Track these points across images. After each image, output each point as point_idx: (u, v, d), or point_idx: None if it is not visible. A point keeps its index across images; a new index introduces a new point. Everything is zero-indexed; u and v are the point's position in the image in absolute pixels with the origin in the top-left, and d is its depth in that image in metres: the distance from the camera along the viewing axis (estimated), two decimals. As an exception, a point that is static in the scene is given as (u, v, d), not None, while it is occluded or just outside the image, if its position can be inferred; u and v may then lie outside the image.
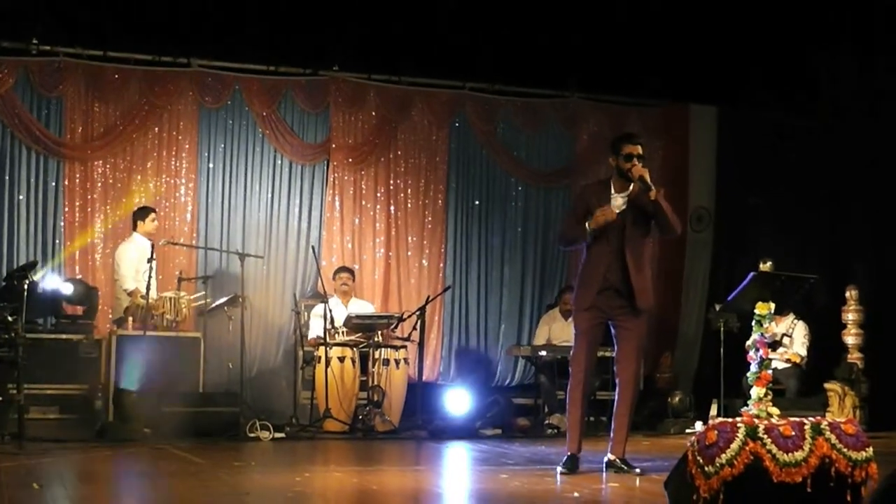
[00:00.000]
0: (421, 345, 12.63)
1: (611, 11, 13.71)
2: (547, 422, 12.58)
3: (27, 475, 7.91)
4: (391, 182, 14.54)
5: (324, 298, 12.22)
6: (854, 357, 12.89)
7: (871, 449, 6.14)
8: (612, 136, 14.76)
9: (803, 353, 13.08)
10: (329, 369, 11.71)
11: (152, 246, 11.88)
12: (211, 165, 13.87)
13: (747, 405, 6.52)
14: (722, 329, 12.37)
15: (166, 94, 13.62)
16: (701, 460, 5.96)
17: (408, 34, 13.45)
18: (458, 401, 12.37)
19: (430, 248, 14.65)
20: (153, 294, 11.83)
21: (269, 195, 14.06)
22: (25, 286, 11.05)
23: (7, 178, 13.12)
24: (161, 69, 13.65)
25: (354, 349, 12.09)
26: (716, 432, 6.02)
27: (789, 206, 14.60)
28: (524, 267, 15.06)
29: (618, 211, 8.54)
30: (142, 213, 12.68)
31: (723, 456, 5.91)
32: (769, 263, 12.30)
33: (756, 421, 6.16)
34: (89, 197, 13.31)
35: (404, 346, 12.42)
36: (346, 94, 14.30)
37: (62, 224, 13.20)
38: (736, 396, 11.86)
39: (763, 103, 14.80)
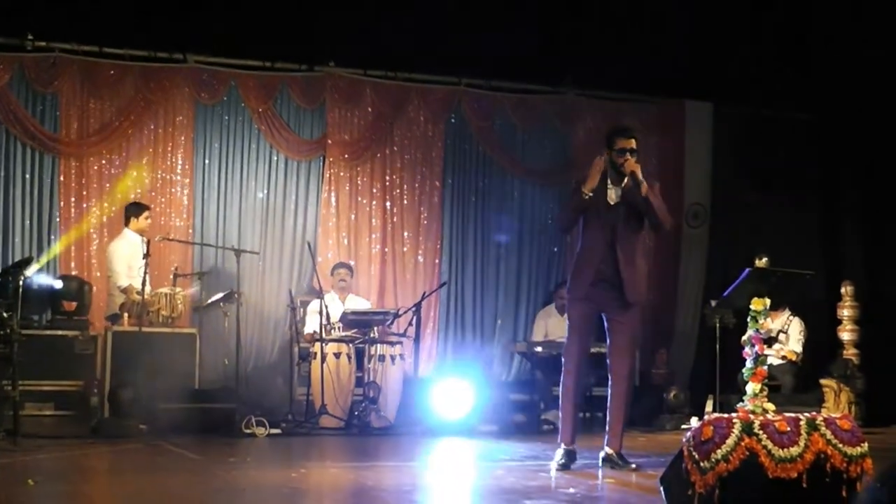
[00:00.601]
0: (417, 341, 12.62)
1: (607, 8, 13.71)
2: (543, 418, 12.56)
3: (22, 472, 7.90)
4: (387, 178, 14.54)
5: (320, 294, 12.20)
6: (849, 353, 12.91)
7: (866, 444, 6.15)
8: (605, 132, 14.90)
9: (799, 349, 13.09)
10: (325, 365, 11.70)
11: (148, 242, 11.86)
12: (207, 161, 13.86)
13: (743, 401, 6.53)
14: (718, 325, 12.36)
15: (162, 90, 13.61)
16: (696, 456, 5.97)
17: (404, 30, 13.42)
18: (453, 397, 12.36)
19: (426, 244, 14.66)
20: (148, 290, 11.81)
21: (265, 191, 14.06)
22: (21, 282, 11.03)
23: (2, 173, 13.10)
24: (157, 65, 13.63)
25: (350, 345, 12.08)
26: (711, 428, 6.03)
27: (785, 201, 14.60)
28: (520, 263, 15.06)
29: (612, 203, 8.61)
30: (135, 209, 12.66)
31: (718, 451, 5.92)
32: (765, 259, 12.29)
33: (752, 417, 6.17)
34: (84, 193, 13.29)
35: (400, 343, 12.40)
36: (343, 90, 14.29)
37: (58, 220, 13.18)
38: (732, 392, 11.85)
39: (758, 100, 14.80)
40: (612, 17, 13.77)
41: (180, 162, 13.70)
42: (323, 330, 11.96)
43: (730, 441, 5.96)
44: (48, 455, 9.04)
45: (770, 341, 12.77)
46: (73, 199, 13.23)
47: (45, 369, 11.79)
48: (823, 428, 6.11)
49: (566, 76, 14.90)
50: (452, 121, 14.90)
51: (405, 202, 14.59)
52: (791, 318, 13.21)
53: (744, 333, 6.80)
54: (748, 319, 6.75)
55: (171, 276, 12.63)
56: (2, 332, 10.12)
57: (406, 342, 12.53)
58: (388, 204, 14.50)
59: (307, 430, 11.35)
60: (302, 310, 12.89)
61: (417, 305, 12.54)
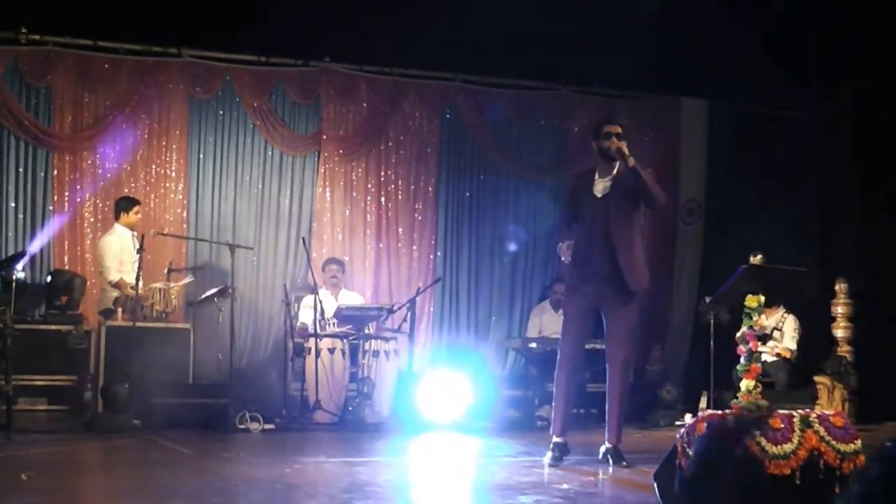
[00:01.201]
0: (411, 336, 12.63)
1: (602, 3, 13.70)
2: (537, 414, 12.59)
3: (15, 466, 7.92)
4: (382, 174, 14.54)
5: (314, 290, 12.21)
6: (843, 350, 12.92)
7: (859, 441, 6.18)
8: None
9: (793, 346, 13.10)
10: (319, 361, 11.71)
11: (142, 237, 11.85)
12: (201, 156, 13.86)
13: (737, 397, 6.54)
14: (712, 321, 12.38)
15: (156, 85, 13.60)
16: (690, 452, 5.98)
17: (399, 25, 13.41)
18: (447, 393, 12.36)
19: (420, 239, 14.66)
20: (142, 285, 11.80)
21: (260, 186, 14.05)
22: (14, 276, 11.04)
23: (-4, 168, 13.12)
24: (151, 59, 13.62)
25: (344, 340, 12.09)
26: (705, 424, 6.05)
27: (780, 198, 14.62)
28: (515, 259, 15.07)
29: (600, 195, 8.69)
30: (126, 204, 12.64)
31: (712, 448, 5.94)
32: (759, 256, 12.28)
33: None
34: (78, 187, 13.28)
35: (394, 338, 12.41)
36: (338, 86, 14.29)
37: (51, 214, 13.17)
38: (726, 389, 11.87)
39: (754, 97, 14.82)
40: (607, 12, 13.75)
41: (174, 156, 13.68)
42: (317, 325, 11.96)
43: (723, 437, 5.98)
44: (41, 450, 9.05)
45: (764, 338, 12.78)
46: (66, 194, 13.21)
47: (39, 364, 11.79)
48: (817, 425, 6.13)
49: (562, 72, 14.90)
50: (448, 116, 14.90)
51: (400, 198, 14.59)
52: (785, 315, 13.22)
53: (738, 330, 6.81)
54: (743, 316, 6.77)
55: (165, 271, 12.62)
56: (-5, 327, 10.14)
57: (400, 338, 12.53)
58: (382, 199, 14.50)
59: (301, 426, 11.35)
60: (296, 305, 12.89)
61: (412, 301, 12.55)
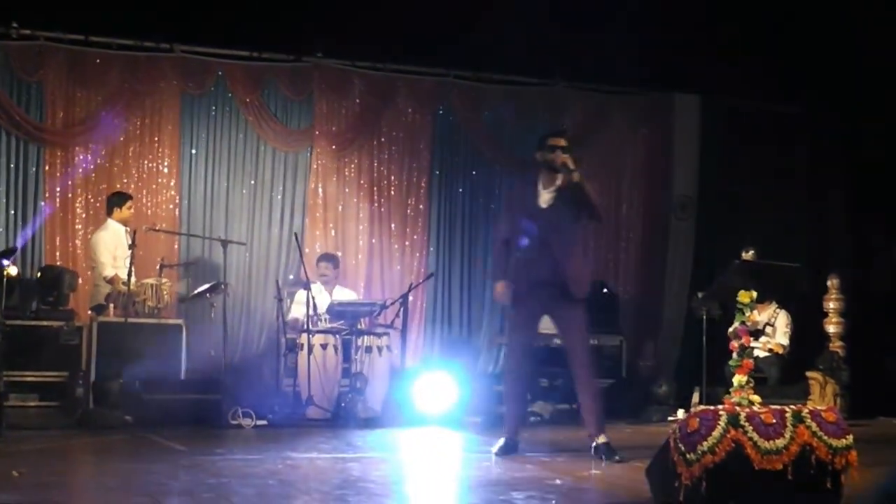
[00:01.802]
0: (404, 332, 12.63)
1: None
2: (530, 409, 12.58)
3: (7, 463, 7.90)
4: (375, 169, 14.54)
5: (307, 285, 12.20)
6: (835, 345, 12.92)
7: (851, 437, 6.19)
8: (595, 123, 14.99)
9: (785, 342, 13.12)
10: (312, 356, 11.70)
11: (134, 233, 11.85)
12: (193, 152, 13.85)
13: (729, 393, 6.55)
14: (704, 317, 12.38)
15: (148, 80, 13.59)
16: (683, 448, 6.00)
17: (392, 21, 13.41)
18: (440, 388, 12.36)
19: (413, 235, 14.67)
20: (134, 281, 11.79)
21: (252, 182, 14.05)
22: (4, 273, 11.02)
23: (-13, 163, 13.11)
24: (143, 54, 13.60)
25: (337, 336, 12.07)
26: (698, 420, 6.06)
27: (772, 193, 14.63)
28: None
29: (545, 206, 8.94)
30: (118, 199, 12.64)
31: (704, 443, 5.96)
32: (752, 252, 12.32)
33: (738, 409, 6.21)
34: (70, 183, 13.27)
35: (387, 334, 12.40)
36: (330, 81, 14.29)
37: (42, 209, 13.15)
38: (718, 384, 11.88)
39: (746, 92, 14.82)
40: (600, 7, 13.75)
41: (167, 152, 13.67)
42: (309, 321, 11.96)
43: (716, 433, 6.00)
44: (33, 446, 9.04)
45: (756, 334, 12.79)
46: (57, 189, 13.20)
47: (30, 360, 11.80)
48: (809, 420, 6.15)
49: (555, 68, 14.90)
50: (440, 112, 14.90)
51: (392, 193, 14.60)
52: (778, 310, 13.23)
53: (730, 326, 6.83)
54: (735, 312, 6.78)
55: (158, 267, 12.61)
56: (-14, 323, 10.14)
57: (393, 333, 12.52)
58: (375, 195, 14.50)
59: (294, 421, 11.34)
60: (289, 300, 12.88)
61: (404, 297, 12.54)
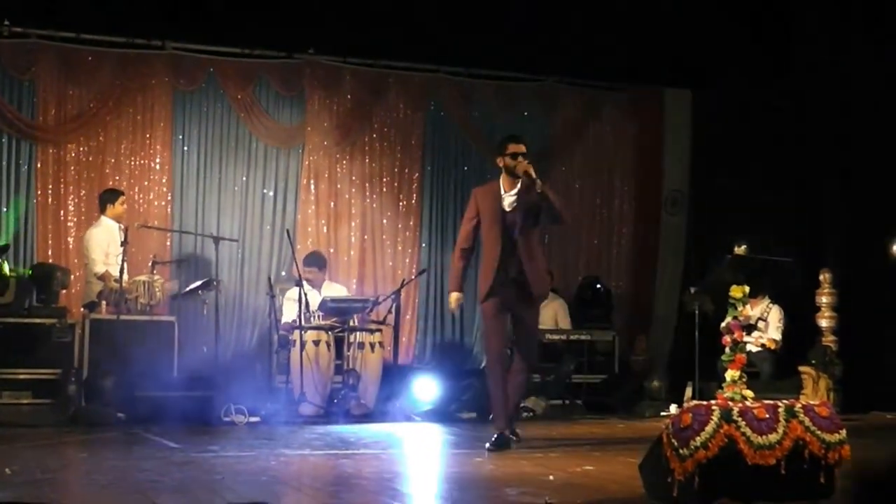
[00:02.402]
0: (396, 328, 12.63)
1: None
2: (523, 404, 12.56)
3: None
4: (366, 165, 14.51)
5: (299, 282, 12.17)
6: (828, 340, 12.91)
7: (844, 431, 6.19)
8: (586, 119, 15.01)
9: (778, 337, 13.09)
10: (304, 353, 11.67)
11: (126, 230, 11.82)
12: (185, 149, 13.83)
13: (722, 388, 6.54)
14: (697, 312, 12.37)
15: (140, 77, 13.57)
16: (675, 443, 5.99)
17: (383, 17, 13.39)
18: (433, 384, 12.36)
19: (405, 231, 14.65)
20: (126, 277, 11.76)
21: (244, 178, 14.02)
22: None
23: (-21, 161, 13.07)
24: (135, 51, 13.57)
25: (329, 333, 12.05)
26: (690, 415, 6.06)
27: (764, 188, 14.62)
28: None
29: (508, 209, 9.37)
30: (111, 196, 12.60)
31: (697, 439, 5.95)
32: (744, 246, 12.29)
33: (730, 404, 6.20)
34: (62, 180, 13.24)
35: (379, 330, 12.39)
36: (322, 78, 14.27)
37: (35, 207, 13.13)
38: (711, 379, 11.87)
39: (737, 86, 14.80)
40: (591, 3, 13.75)
41: (158, 149, 13.64)
42: (302, 318, 11.94)
43: (709, 428, 5.99)
44: (25, 444, 9.02)
45: (749, 329, 12.77)
46: (49, 187, 13.18)
47: (23, 357, 11.75)
48: (802, 415, 6.14)
49: (546, 64, 14.88)
50: (432, 108, 14.88)
51: (384, 189, 14.58)
52: (770, 305, 13.21)
53: (723, 321, 6.82)
54: (727, 307, 6.77)
55: (150, 264, 12.58)
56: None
57: (385, 330, 12.52)
58: (367, 191, 14.48)
59: (286, 418, 11.32)
60: (281, 297, 12.85)
61: (397, 293, 12.54)
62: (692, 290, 12.75)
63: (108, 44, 13.45)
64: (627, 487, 6.80)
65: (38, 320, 12.04)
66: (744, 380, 6.53)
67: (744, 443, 5.98)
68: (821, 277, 13.06)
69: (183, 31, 13.53)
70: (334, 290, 13.07)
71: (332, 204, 14.29)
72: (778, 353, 13.04)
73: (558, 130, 15.29)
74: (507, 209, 9.39)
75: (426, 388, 12.30)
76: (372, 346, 12.15)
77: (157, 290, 12.19)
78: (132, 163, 13.55)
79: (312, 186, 14.20)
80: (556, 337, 13.30)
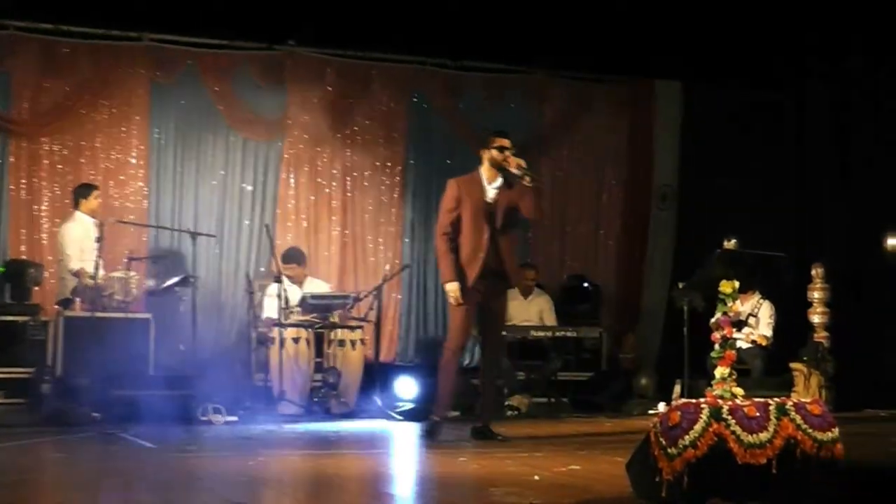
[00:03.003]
0: (378, 325, 12.63)
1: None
2: (507, 403, 12.57)
3: (-29, 461, 7.86)
4: (348, 159, 14.47)
5: (278, 278, 12.15)
6: (820, 336, 12.91)
7: (837, 429, 6.18)
8: (574, 112, 15.01)
9: (769, 333, 13.09)
10: (283, 351, 11.65)
11: (101, 225, 11.79)
12: (162, 142, 13.78)
13: (711, 385, 6.53)
14: (686, 308, 12.36)
15: (116, 69, 13.52)
16: (664, 442, 5.98)
17: (366, 7, 13.36)
18: (415, 383, 12.35)
19: (387, 226, 14.62)
20: (101, 274, 11.71)
21: (223, 172, 13.98)
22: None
23: (-49, 154, 13.02)
24: (110, 43, 13.53)
25: (309, 330, 12.03)
26: (679, 413, 6.05)
27: (755, 183, 14.64)
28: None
29: (491, 200, 9.73)
30: (84, 190, 12.56)
31: (686, 437, 5.94)
32: (733, 241, 12.28)
33: (720, 402, 6.19)
34: (36, 174, 13.20)
35: (361, 327, 12.38)
36: (303, 70, 14.22)
37: (7, 201, 13.08)
38: (700, 377, 11.87)
39: (730, 78, 14.81)
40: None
41: (135, 142, 13.59)
42: (281, 314, 11.92)
43: (698, 427, 5.98)
44: (-2, 444, 8.99)
45: (739, 325, 12.76)
46: (23, 181, 13.14)
47: (-6, 356, 11.75)
48: (793, 413, 6.13)
49: (535, 55, 14.84)
50: (415, 100, 14.85)
51: (366, 184, 14.54)
52: (761, 301, 13.20)
53: (712, 316, 6.81)
54: (717, 302, 6.76)
55: (125, 260, 12.54)
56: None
57: (367, 327, 12.52)
58: (348, 185, 14.45)
59: (266, 418, 11.29)
60: (260, 294, 12.82)
61: (378, 289, 12.53)
62: (681, 285, 12.72)
63: (85, 35, 13.40)
64: (615, 487, 6.78)
65: (10, 318, 12.03)
66: (734, 377, 6.52)
67: (734, 441, 5.97)
68: (813, 272, 13.06)
69: (161, 21, 13.45)
70: (317, 286, 13.03)
71: (312, 198, 14.25)
72: (769, 349, 13.03)
73: (547, 123, 15.28)
74: (490, 200, 9.71)
75: (409, 386, 12.30)
76: (353, 343, 12.15)
77: (132, 286, 12.17)
78: (108, 156, 13.50)
79: (292, 180, 14.16)
80: (541, 334, 13.26)
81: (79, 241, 12.23)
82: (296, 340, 11.84)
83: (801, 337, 13.01)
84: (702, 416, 6.01)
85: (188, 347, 11.92)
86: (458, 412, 12.06)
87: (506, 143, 9.77)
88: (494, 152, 9.72)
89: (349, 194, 14.43)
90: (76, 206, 12.49)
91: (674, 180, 15.63)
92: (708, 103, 15.22)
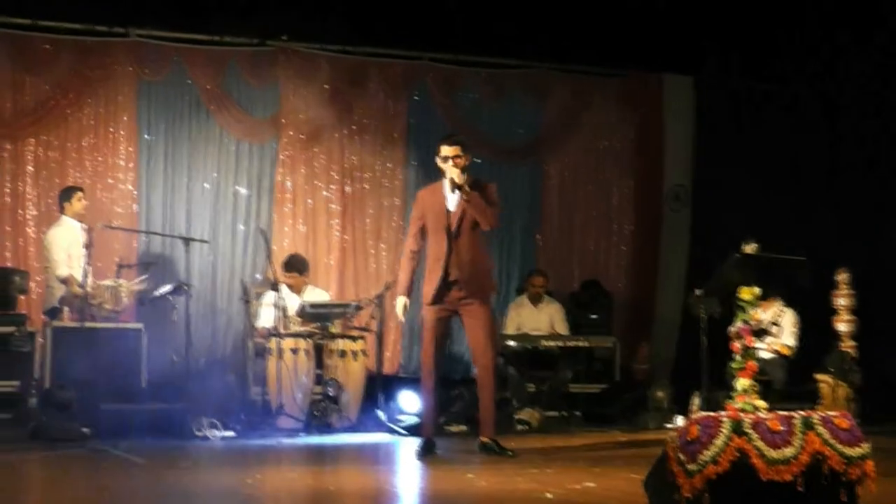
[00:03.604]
0: (380, 335, 12.62)
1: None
2: (517, 417, 12.57)
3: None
4: (346, 160, 14.47)
5: (275, 286, 12.15)
6: (846, 345, 12.85)
7: (867, 444, 6.14)
8: (580, 108, 15.00)
9: (793, 343, 13.08)
10: (282, 362, 11.66)
11: (89, 230, 11.78)
12: (152, 143, 13.79)
13: (731, 398, 6.52)
14: (703, 316, 12.35)
15: (102, 67, 13.54)
16: (682, 457, 5.96)
17: (362, 1, 13.38)
18: (419, 395, 12.34)
19: (389, 230, 14.61)
20: (90, 282, 11.72)
21: (215, 175, 14.00)
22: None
23: (-70, 157, 13.03)
24: (96, 39, 13.53)
25: (309, 340, 12.04)
26: (698, 427, 6.02)
27: (775, 182, 14.62)
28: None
29: (453, 209, 9.81)
30: (67, 193, 12.56)
31: (706, 453, 5.91)
32: (753, 245, 12.27)
33: (741, 415, 6.17)
34: (20, 178, 13.21)
35: (362, 337, 12.39)
36: (297, 66, 14.23)
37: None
38: (719, 388, 11.86)
39: (744, 71, 14.80)
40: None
41: (123, 144, 13.61)
42: (279, 324, 11.92)
43: (718, 441, 5.95)
44: (-17, 462, 9.00)
45: (760, 333, 12.75)
46: (7, 185, 13.15)
47: (-22, 368, 11.76)
48: (820, 427, 6.10)
49: (537, 49, 14.86)
50: (415, 98, 14.86)
51: (366, 186, 14.55)
52: (784, 309, 13.19)
53: (731, 324, 6.80)
54: (736, 310, 6.75)
55: (115, 267, 12.55)
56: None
57: (368, 337, 12.52)
58: (347, 188, 14.46)
59: (263, 432, 11.30)
60: (256, 302, 12.82)
61: (380, 297, 12.52)
62: (697, 292, 12.72)
63: (67, 31, 13.40)
64: (631, 505, 6.79)
65: (-6, 328, 12.03)
66: (755, 389, 6.51)
67: (757, 457, 5.95)
68: (838, 277, 13.04)
69: (147, 16, 13.48)
70: (317, 295, 13.05)
71: (309, 202, 14.25)
72: (792, 359, 13.03)
73: (551, 120, 15.28)
74: (451, 209, 9.82)
75: (412, 399, 12.28)
76: (354, 354, 12.16)
77: (123, 295, 12.17)
78: (95, 159, 13.51)
79: (288, 183, 14.17)
80: (552, 343, 13.27)
81: (66, 246, 12.24)
82: (294, 351, 11.85)
83: (825, 346, 12.98)
84: (722, 430, 5.99)
85: (181, 359, 11.91)
86: (463, 426, 12.08)
87: (449, 150, 9.82)
88: (438, 160, 9.88)
89: (348, 197, 14.42)
90: (61, 210, 12.50)
91: (687, 180, 15.61)
92: (722, 97, 15.20)
